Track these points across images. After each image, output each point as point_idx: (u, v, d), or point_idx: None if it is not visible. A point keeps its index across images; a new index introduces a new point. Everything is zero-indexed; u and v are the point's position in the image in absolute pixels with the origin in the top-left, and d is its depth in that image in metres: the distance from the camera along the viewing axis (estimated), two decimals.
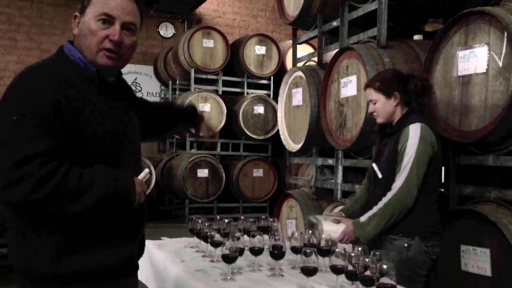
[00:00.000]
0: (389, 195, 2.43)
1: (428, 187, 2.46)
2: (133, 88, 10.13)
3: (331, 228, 2.49)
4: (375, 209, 2.45)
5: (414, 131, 2.42)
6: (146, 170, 1.76)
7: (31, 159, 1.48)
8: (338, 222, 2.47)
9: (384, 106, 2.57)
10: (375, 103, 2.59)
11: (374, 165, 2.66)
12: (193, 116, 2.36)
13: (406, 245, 2.44)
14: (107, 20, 1.66)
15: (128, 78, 9.86)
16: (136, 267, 1.90)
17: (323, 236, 2.23)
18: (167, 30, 10.53)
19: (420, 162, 2.39)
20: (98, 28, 1.66)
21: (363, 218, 2.45)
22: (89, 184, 1.54)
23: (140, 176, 1.73)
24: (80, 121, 1.60)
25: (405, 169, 2.39)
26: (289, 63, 7.70)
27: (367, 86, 2.66)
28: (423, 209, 2.46)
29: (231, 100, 8.43)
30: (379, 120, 2.62)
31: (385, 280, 1.63)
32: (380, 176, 2.58)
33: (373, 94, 2.59)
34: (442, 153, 2.98)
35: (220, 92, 8.32)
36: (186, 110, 2.38)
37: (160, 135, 2.65)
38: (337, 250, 1.88)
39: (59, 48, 1.75)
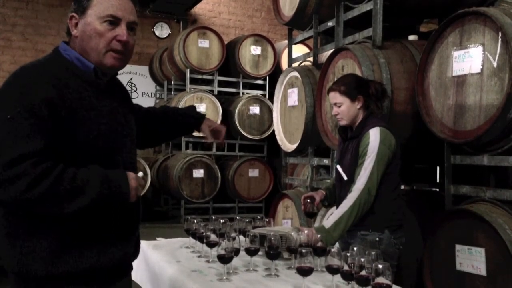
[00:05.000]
0: (351, 197, 2.50)
1: (390, 184, 2.61)
2: (128, 88, 10.17)
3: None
4: (339, 213, 2.49)
5: (374, 135, 2.55)
6: (140, 173, 1.75)
7: (25, 158, 1.47)
8: (298, 230, 2.43)
9: (348, 109, 2.68)
10: (339, 106, 2.70)
11: (338, 166, 2.76)
12: (192, 116, 2.29)
13: (377, 239, 2.56)
14: (113, 21, 1.66)
15: (124, 78, 9.83)
16: (130, 268, 1.89)
17: (298, 242, 2.21)
18: (162, 30, 10.51)
19: (380, 164, 2.52)
20: (105, 29, 1.66)
21: (328, 224, 2.48)
22: (83, 184, 1.54)
23: None
24: (75, 121, 1.59)
25: (366, 171, 2.51)
26: (284, 64, 7.69)
27: (331, 89, 2.75)
28: (389, 204, 2.61)
29: (227, 100, 8.42)
30: (343, 122, 2.73)
31: (380, 279, 1.63)
32: (345, 178, 2.68)
33: (338, 97, 2.70)
34: (438, 153, 3.02)
35: (216, 93, 8.31)
36: (185, 111, 2.32)
37: (160, 142, 2.56)
38: (332, 250, 1.89)
39: (55, 49, 1.75)
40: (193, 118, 2.28)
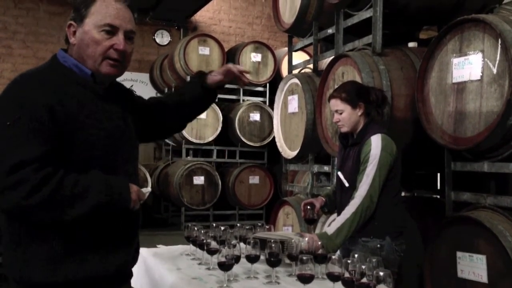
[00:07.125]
0: (354, 204, 2.51)
1: (391, 190, 2.61)
2: None
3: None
4: (341, 219, 2.49)
5: (376, 142, 2.56)
6: (148, 189, 1.76)
7: (26, 164, 1.48)
8: (300, 236, 2.43)
9: (350, 116, 2.69)
10: (341, 113, 2.71)
11: (339, 173, 2.76)
12: (194, 84, 2.17)
13: (379, 245, 2.56)
14: (111, 30, 1.67)
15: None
16: (130, 275, 1.89)
17: (299, 249, 2.19)
18: (163, 38, 10.54)
19: (382, 171, 2.53)
20: (102, 38, 1.67)
21: (330, 231, 2.48)
22: (84, 191, 1.54)
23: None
24: (74, 126, 1.60)
25: (368, 178, 2.52)
26: (284, 70, 7.71)
27: (332, 97, 2.75)
28: (390, 210, 2.61)
29: (227, 107, 8.44)
30: (344, 129, 2.73)
31: (381, 287, 1.63)
32: (347, 184, 2.68)
33: (339, 105, 2.70)
34: (438, 160, 3.01)
35: (216, 99, 8.31)
36: (186, 85, 2.20)
37: (174, 130, 2.32)
38: (333, 257, 1.88)
39: (53, 56, 1.76)
40: (196, 85, 2.15)
